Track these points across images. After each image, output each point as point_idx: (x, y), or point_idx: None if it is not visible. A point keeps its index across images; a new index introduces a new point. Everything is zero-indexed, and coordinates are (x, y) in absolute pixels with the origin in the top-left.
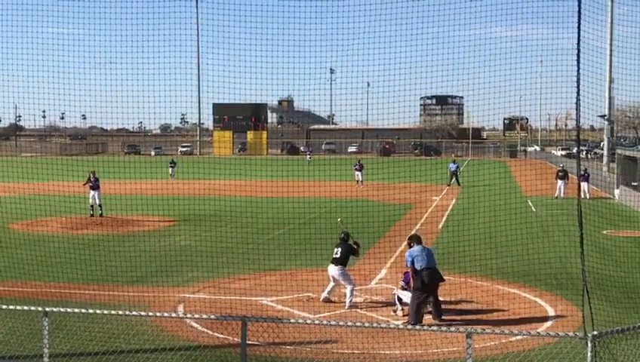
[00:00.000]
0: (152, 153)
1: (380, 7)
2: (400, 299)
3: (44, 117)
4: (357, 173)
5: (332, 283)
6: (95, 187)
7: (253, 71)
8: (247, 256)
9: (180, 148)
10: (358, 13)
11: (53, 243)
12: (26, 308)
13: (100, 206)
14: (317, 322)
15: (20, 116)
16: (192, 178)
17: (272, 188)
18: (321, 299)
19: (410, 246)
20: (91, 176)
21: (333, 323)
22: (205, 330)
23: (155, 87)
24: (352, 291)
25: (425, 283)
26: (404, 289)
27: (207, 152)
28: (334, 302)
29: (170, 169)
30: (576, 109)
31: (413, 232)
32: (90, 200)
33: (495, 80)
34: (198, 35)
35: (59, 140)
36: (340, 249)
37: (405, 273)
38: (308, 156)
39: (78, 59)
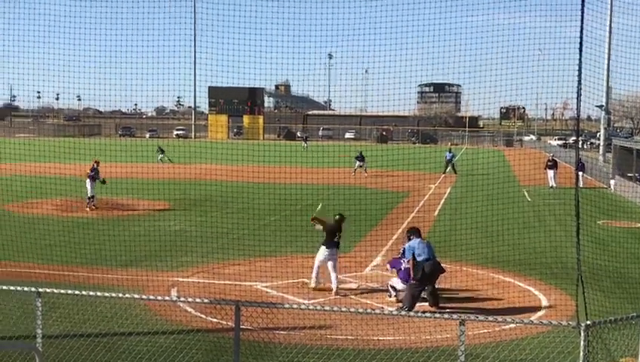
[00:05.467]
0: (147, 136)
1: None
2: (394, 287)
3: (39, 97)
4: (357, 162)
5: (318, 267)
6: (94, 178)
7: (251, 54)
8: (240, 241)
9: (175, 132)
10: None
11: (47, 224)
12: (19, 288)
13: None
14: (311, 307)
15: (14, 96)
16: (187, 162)
17: (267, 173)
18: (312, 285)
19: (410, 239)
20: (94, 165)
21: (327, 308)
22: (199, 314)
23: (151, 69)
24: (337, 274)
25: (425, 274)
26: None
27: (202, 136)
28: (329, 290)
29: (159, 155)
30: (577, 99)
31: (408, 225)
32: (89, 192)
33: (493, 68)
34: (194, 16)
35: (53, 121)
36: (339, 233)
37: (393, 259)
38: (304, 143)
39: (74, 40)
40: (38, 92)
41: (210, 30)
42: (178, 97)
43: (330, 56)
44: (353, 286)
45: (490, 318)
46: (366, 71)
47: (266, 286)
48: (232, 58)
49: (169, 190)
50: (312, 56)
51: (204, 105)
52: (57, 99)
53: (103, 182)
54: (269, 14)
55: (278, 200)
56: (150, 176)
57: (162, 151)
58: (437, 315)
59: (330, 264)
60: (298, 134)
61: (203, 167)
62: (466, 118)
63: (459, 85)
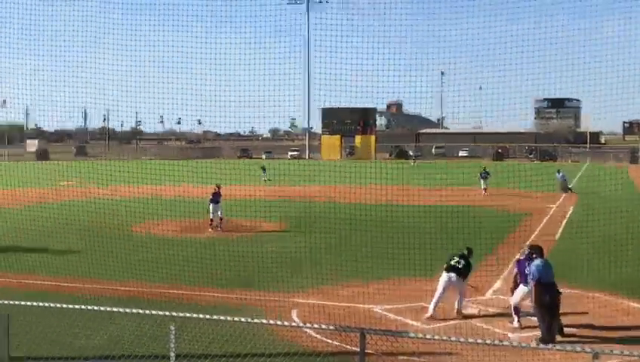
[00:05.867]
0: (263, 157)
1: (490, 5)
2: (517, 310)
3: (162, 122)
4: (482, 180)
5: (441, 294)
6: (215, 202)
7: (362, 74)
8: (355, 262)
9: (290, 153)
10: (469, 13)
11: (170, 245)
12: (154, 312)
13: (220, 219)
14: (437, 337)
15: (140, 121)
16: (301, 183)
17: (380, 193)
18: (429, 314)
19: (533, 258)
20: (216, 189)
21: (453, 339)
22: (322, 338)
23: (265, 91)
24: (462, 298)
25: (551, 298)
26: (515, 278)
27: (315, 156)
28: (444, 319)
29: (262, 173)
30: None
31: (528, 242)
32: (211, 215)
33: (615, 81)
34: (308, 38)
35: (176, 144)
36: (462, 260)
37: (518, 261)
38: (412, 162)
39: (193, 67)
40: (161, 116)
41: (322, 51)
42: (292, 119)
43: (443, 74)
44: (474, 311)
45: (626, 351)
46: (480, 87)
47: (384, 310)
48: (344, 79)
49: (284, 210)
50: (423, 74)
51: (317, 126)
52: (179, 123)
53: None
54: (379, 33)
55: (391, 220)
56: (267, 197)
57: (264, 170)
58: (568, 348)
59: (453, 289)
60: (410, 153)
61: (317, 187)
62: (587, 133)
63: (578, 100)
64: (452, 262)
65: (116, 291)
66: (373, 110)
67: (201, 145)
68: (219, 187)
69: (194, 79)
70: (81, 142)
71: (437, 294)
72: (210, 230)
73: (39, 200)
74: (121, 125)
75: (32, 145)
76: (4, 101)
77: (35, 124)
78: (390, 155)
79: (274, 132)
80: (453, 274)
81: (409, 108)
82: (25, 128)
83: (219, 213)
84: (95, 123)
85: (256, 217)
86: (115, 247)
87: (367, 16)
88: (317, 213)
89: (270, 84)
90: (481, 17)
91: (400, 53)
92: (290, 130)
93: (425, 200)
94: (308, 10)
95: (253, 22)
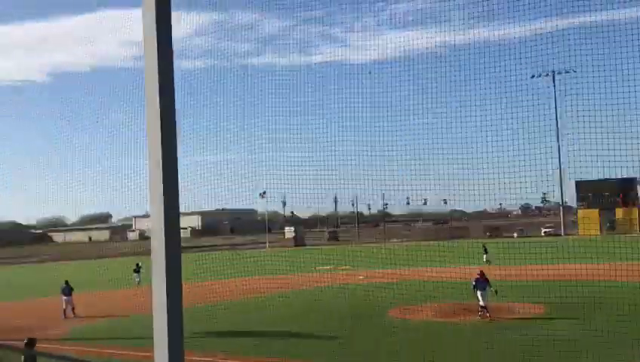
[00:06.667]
0: (515, 235)
1: None
2: None
3: (408, 203)
4: None
5: None
6: (481, 288)
7: (621, 142)
8: (631, 348)
9: (543, 229)
10: None
11: (431, 330)
12: None
13: (484, 306)
14: None
15: (386, 204)
16: (558, 262)
17: None
18: None
19: None
20: (479, 274)
21: None
22: None
23: (514, 167)
24: None
25: None
26: None
27: (572, 233)
28: None
29: (484, 256)
30: None
31: None
32: (480, 300)
33: None
34: (556, 108)
35: (422, 225)
36: None
37: None
38: None
39: (437, 146)
40: (407, 198)
41: (572, 119)
42: (544, 193)
43: None
44: None
45: None
46: None
47: None
48: (600, 147)
49: (545, 292)
50: None
51: (571, 200)
52: (425, 203)
53: (496, 292)
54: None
55: None
56: (523, 278)
57: (486, 251)
58: None
59: None
60: None
61: (576, 266)
62: None
63: None
64: None
65: None
66: (635, 180)
67: (448, 225)
68: (482, 274)
69: (439, 159)
70: (332, 227)
71: None
72: (479, 316)
73: (297, 286)
74: (369, 208)
75: (290, 231)
76: (265, 192)
77: (292, 212)
78: None
79: (525, 208)
80: None
81: None
82: (283, 216)
83: (482, 299)
84: (344, 207)
85: (515, 299)
86: (371, 332)
87: (619, 74)
88: (580, 293)
89: (519, 158)
90: None
91: None
92: (541, 205)
93: None
94: (554, 81)
95: (496, 96)
